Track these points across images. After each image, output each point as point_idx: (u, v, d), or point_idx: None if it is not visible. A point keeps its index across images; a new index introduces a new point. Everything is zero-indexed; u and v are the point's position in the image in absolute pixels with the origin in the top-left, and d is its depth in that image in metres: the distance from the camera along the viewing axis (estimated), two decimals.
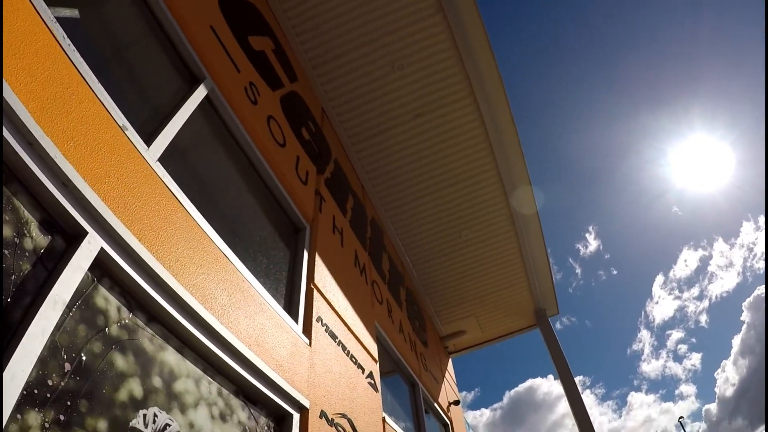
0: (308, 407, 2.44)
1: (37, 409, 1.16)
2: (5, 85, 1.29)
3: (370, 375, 3.83)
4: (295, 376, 2.43)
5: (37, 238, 1.33)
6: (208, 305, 1.88)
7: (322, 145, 4.72)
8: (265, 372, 2.12)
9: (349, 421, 2.97)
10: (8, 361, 1.09)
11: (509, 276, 7.32)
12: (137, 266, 1.62)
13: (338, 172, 5.01)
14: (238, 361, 1.99)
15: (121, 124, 1.84)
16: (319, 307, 3.10)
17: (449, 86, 5.33)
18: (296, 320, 2.79)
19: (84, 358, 1.36)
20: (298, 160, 3.73)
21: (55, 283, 1.28)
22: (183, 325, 1.74)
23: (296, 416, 2.36)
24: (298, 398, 2.37)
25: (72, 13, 1.97)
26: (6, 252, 1.21)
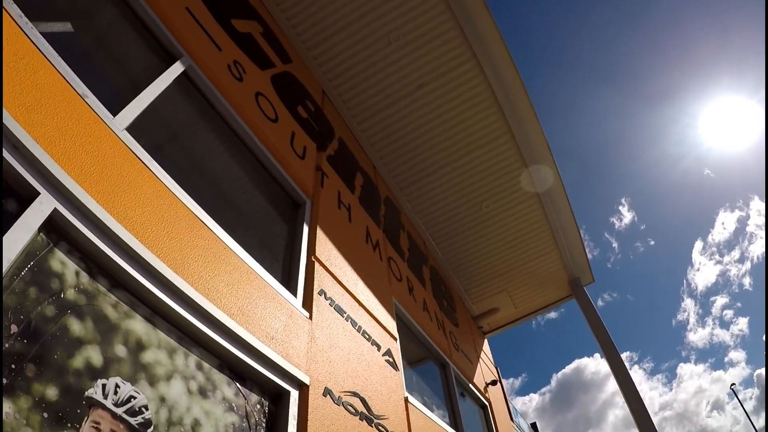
0: (308, 384, 2.30)
1: None
2: None
3: (388, 353, 3.69)
4: (291, 350, 2.31)
5: None
6: (180, 271, 1.80)
7: (323, 125, 4.61)
8: (252, 344, 2.00)
9: (362, 399, 2.83)
10: None
11: (537, 245, 6.96)
12: (97, 228, 1.56)
13: (343, 150, 4.89)
14: (219, 331, 1.89)
15: (80, 93, 1.81)
16: (322, 280, 2.99)
17: (449, 51, 5.09)
18: (294, 293, 2.68)
19: (33, 321, 1.30)
20: (294, 135, 3.64)
21: None
22: (152, 292, 1.66)
23: (294, 393, 2.21)
24: (295, 374, 2.23)
25: None
26: None
